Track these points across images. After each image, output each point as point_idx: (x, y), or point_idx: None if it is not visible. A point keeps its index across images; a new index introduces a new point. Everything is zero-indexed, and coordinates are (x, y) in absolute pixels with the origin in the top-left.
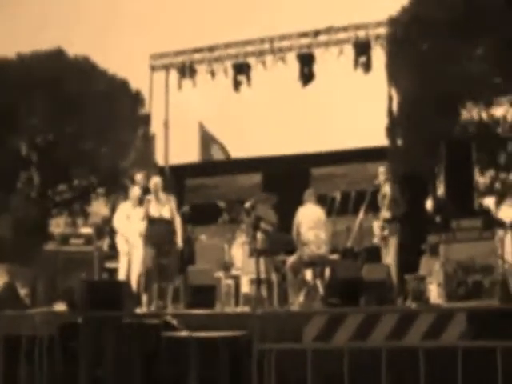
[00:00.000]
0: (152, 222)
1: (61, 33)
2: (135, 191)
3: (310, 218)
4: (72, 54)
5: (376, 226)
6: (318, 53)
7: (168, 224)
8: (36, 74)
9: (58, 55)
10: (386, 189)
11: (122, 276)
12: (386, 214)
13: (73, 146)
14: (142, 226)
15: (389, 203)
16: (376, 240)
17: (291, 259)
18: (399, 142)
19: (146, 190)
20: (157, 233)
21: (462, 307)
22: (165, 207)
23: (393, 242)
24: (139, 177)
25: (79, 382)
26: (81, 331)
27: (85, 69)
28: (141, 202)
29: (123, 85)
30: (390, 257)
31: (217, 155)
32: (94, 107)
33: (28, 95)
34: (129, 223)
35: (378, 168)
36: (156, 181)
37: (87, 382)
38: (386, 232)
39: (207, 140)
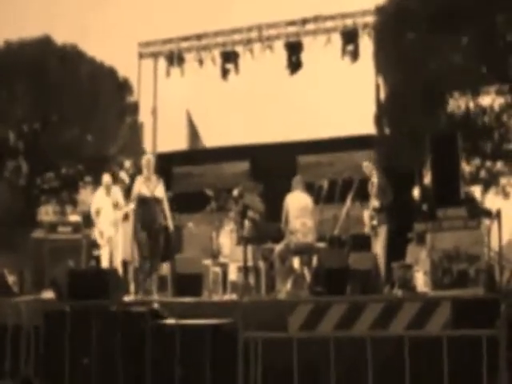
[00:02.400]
0: (143, 201)
1: (48, 20)
2: (105, 177)
3: (297, 206)
4: (59, 41)
5: (366, 215)
6: (306, 41)
7: (160, 204)
8: (23, 62)
9: (45, 43)
10: (374, 178)
11: (104, 264)
12: (375, 203)
13: (60, 134)
14: (114, 215)
15: (376, 192)
16: (366, 229)
17: (278, 247)
18: (386, 131)
19: (133, 178)
20: (149, 213)
21: (447, 296)
22: (157, 188)
23: (382, 232)
24: (128, 164)
25: (65, 370)
26: (67, 319)
27: (72, 56)
28: (127, 189)
29: (111, 73)
30: (378, 246)
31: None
32: (80, 95)
33: (15, 83)
34: (102, 215)
35: (364, 159)
36: (149, 157)
37: (73, 370)
38: (374, 221)
39: (195, 128)
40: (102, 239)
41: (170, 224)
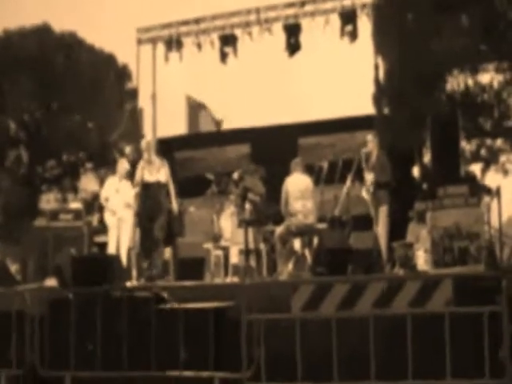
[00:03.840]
0: (146, 187)
1: (47, 8)
2: (123, 164)
3: (297, 188)
4: (58, 29)
5: (364, 191)
6: (305, 23)
7: (164, 188)
8: (22, 51)
9: (44, 31)
10: (374, 154)
11: (111, 250)
12: (369, 176)
13: (60, 122)
14: (130, 198)
15: (375, 167)
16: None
17: (279, 229)
18: (386, 111)
19: (134, 163)
20: (152, 198)
21: (449, 273)
22: (160, 171)
23: (383, 211)
24: (128, 150)
25: (70, 357)
26: (71, 306)
27: (71, 44)
28: (130, 175)
29: (110, 59)
30: (380, 226)
31: (205, 123)
32: (80, 82)
33: (15, 72)
34: (117, 197)
35: (365, 136)
36: (148, 140)
37: (78, 356)
38: (365, 195)
39: (195, 110)
40: (114, 220)
41: (175, 208)
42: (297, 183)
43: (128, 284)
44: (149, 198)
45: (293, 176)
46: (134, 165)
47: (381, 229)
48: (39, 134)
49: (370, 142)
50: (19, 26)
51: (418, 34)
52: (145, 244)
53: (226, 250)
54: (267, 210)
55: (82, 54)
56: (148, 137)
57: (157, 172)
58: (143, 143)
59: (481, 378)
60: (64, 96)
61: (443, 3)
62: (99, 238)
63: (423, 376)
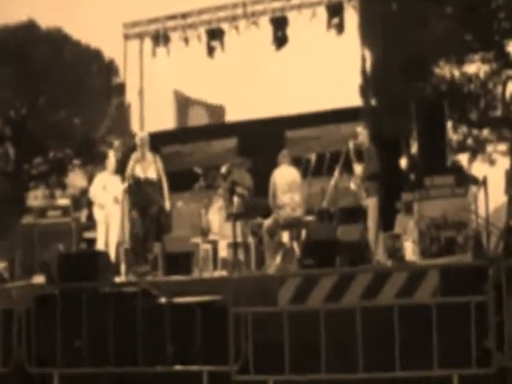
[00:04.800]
0: (137, 183)
1: (32, 4)
2: (111, 159)
3: (284, 180)
4: (44, 25)
5: (352, 183)
6: (291, 16)
7: (154, 185)
8: (8, 47)
9: (29, 27)
10: (364, 147)
11: (100, 246)
12: (358, 168)
13: (46, 118)
14: (119, 193)
15: (364, 160)
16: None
17: (267, 222)
18: (373, 102)
19: (123, 158)
20: (142, 195)
21: (436, 264)
22: (151, 167)
23: (372, 203)
24: (116, 144)
25: (57, 354)
26: (58, 302)
27: (57, 40)
28: (118, 170)
29: (96, 55)
30: (370, 216)
31: (195, 118)
32: (67, 78)
33: (0, 68)
34: (105, 192)
35: (353, 128)
36: (143, 135)
37: (66, 353)
38: (354, 187)
39: (183, 105)
40: (102, 215)
41: (167, 204)
42: (284, 176)
43: (116, 279)
44: (139, 193)
45: (280, 168)
46: (122, 159)
47: (370, 220)
48: (25, 130)
49: (361, 133)
50: (4, 23)
51: (402, 24)
52: (137, 237)
53: (214, 243)
54: (255, 204)
55: (67, 49)
56: (141, 132)
57: (148, 168)
58: (138, 138)
59: (468, 367)
60: (50, 92)
61: None
62: (88, 234)
63: (410, 367)
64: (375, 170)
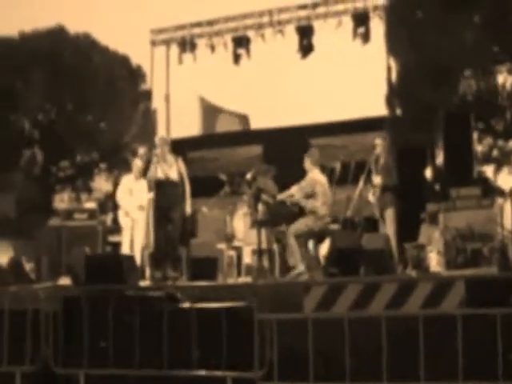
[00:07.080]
0: (158, 185)
1: (61, 10)
2: (137, 163)
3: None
4: (73, 31)
5: (370, 194)
6: (317, 25)
7: (175, 187)
8: (37, 53)
9: (58, 33)
10: (382, 158)
11: (125, 250)
12: (377, 180)
13: (74, 122)
14: (143, 199)
15: (381, 171)
16: (375, 211)
17: (297, 227)
18: (398, 112)
19: (148, 164)
20: (164, 197)
21: (461, 275)
22: (172, 168)
23: (389, 214)
24: (142, 150)
25: (83, 355)
26: (84, 305)
27: (85, 46)
28: (144, 174)
29: (124, 61)
30: (389, 229)
31: (220, 125)
32: (94, 83)
33: (29, 73)
34: (130, 197)
35: (375, 139)
36: (162, 136)
37: (92, 354)
38: (372, 198)
39: (209, 112)
40: (128, 220)
41: (188, 208)
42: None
43: (141, 283)
44: (161, 197)
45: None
46: (147, 165)
47: (389, 231)
48: (53, 133)
49: (379, 145)
50: (34, 28)
51: (428, 33)
52: (161, 243)
53: (239, 250)
54: (280, 211)
55: (95, 54)
56: (161, 133)
57: (169, 169)
58: (157, 139)
59: (494, 380)
60: (78, 96)
61: (454, 2)
62: (113, 238)
63: (435, 378)
64: (391, 184)
